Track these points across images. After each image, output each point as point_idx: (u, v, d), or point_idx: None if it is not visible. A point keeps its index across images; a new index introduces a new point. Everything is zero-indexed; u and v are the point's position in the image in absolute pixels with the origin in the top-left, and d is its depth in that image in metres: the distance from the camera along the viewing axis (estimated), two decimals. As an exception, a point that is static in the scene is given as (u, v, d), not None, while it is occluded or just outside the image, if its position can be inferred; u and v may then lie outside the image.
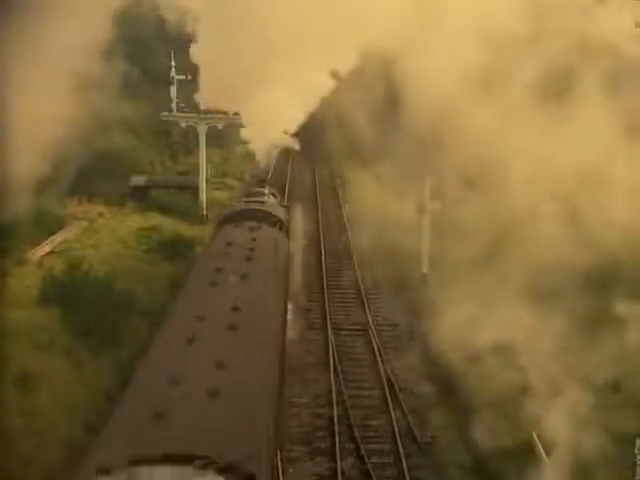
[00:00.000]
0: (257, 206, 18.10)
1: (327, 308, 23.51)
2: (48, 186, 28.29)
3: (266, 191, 20.84)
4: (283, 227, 17.45)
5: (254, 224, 15.77)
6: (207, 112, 32.40)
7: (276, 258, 14.54)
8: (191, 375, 8.52)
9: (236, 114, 27.14)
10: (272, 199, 20.42)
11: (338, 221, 34.09)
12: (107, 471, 6.68)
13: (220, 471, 6.72)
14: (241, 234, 15.09)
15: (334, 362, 19.73)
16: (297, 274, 20.75)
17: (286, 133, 22.60)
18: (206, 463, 6.73)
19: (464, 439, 16.19)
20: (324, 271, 26.69)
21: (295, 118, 22.06)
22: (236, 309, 10.51)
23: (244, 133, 24.08)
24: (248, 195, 20.88)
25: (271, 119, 21.13)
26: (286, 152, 33.76)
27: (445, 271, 24.66)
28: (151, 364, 9.36)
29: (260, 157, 23.92)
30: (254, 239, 14.59)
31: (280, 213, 18.56)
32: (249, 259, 13.23)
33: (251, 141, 23.36)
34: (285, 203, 23.52)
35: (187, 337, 9.48)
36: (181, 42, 29.65)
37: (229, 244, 14.18)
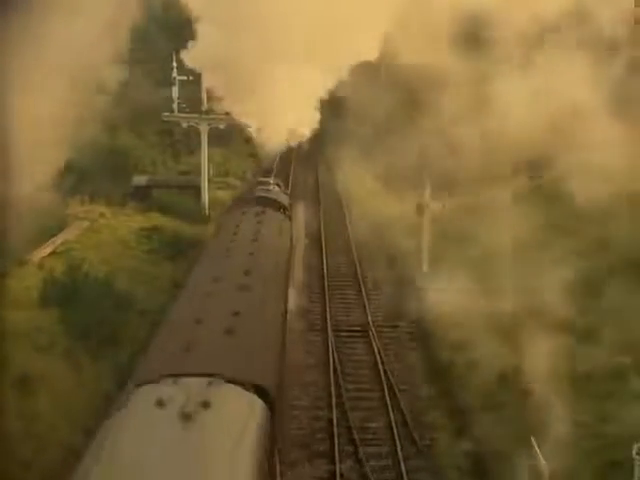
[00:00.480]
0: (263, 193, 21.23)
1: (328, 307, 23.55)
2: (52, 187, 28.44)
3: (271, 181, 23.37)
4: (286, 211, 20.69)
5: (260, 208, 18.99)
6: (208, 112, 32.48)
7: (280, 232, 18.00)
8: (211, 318, 10.94)
9: (227, 114, 27.71)
10: (276, 188, 22.70)
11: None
12: (142, 384, 8.98)
13: (231, 382, 8.82)
14: (253, 212, 18.61)
15: (334, 363, 19.75)
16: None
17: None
18: (220, 377, 8.78)
19: (463, 441, 16.18)
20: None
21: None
22: (247, 272, 13.05)
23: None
24: (257, 183, 23.59)
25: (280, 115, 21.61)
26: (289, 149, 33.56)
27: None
28: (179, 309, 12.12)
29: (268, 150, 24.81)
30: (262, 215, 18.16)
31: (284, 199, 21.81)
32: (259, 222, 17.35)
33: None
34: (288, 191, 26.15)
35: (207, 291, 12.19)
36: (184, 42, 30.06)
37: (235, 231, 16.86)
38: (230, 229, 16.92)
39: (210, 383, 8.61)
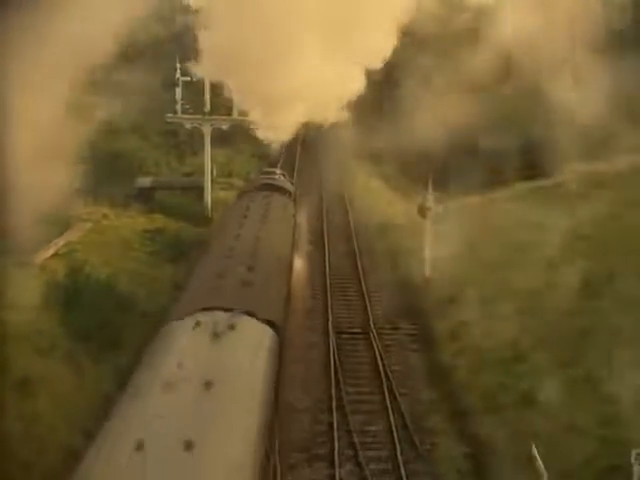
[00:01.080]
0: (271, 181, 23.86)
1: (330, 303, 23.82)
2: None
3: (277, 171, 26.25)
4: (290, 195, 23.39)
5: (268, 192, 21.87)
6: (211, 113, 32.53)
7: (285, 209, 21.36)
8: (231, 273, 13.67)
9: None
10: (282, 177, 25.60)
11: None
12: (180, 318, 11.40)
13: (249, 315, 11.47)
14: (262, 195, 21.49)
15: (335, 364, 19.73)
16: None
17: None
18: (239, 311, 11.38)
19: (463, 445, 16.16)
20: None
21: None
22: (253, 255, 15.17)
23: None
24: (264, 173, 26.16)
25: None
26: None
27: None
28: (206, 264, 15.31)
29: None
30: (270, 198, 21.07)
31: (289, 186, 24.73)
32: (267, 203, 20.42)
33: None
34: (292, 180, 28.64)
35: (228, 249, 15.36)
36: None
37: (248, 208, 19.78)
38: (243, 207, 19.98)
39: (233, 315, 11.17)
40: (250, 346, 10.84)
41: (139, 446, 7.69)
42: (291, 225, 20.41)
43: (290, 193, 23.29)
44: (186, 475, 7.42)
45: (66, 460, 13.49)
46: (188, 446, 7.71)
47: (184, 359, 9.76)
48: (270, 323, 11.83)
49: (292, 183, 26.44)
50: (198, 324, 10.87)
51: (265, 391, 9.90)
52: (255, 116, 25.47)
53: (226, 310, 11.39)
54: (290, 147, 39.08)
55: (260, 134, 26.28)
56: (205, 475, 7.51)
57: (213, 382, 9.08)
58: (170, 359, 9.95)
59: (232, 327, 10.78)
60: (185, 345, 10.57)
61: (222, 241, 16.77)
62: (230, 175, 41.82)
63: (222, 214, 24.25)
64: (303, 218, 27.24)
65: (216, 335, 10.50)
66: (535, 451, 13.52)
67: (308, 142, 40.44)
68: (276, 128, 24.70)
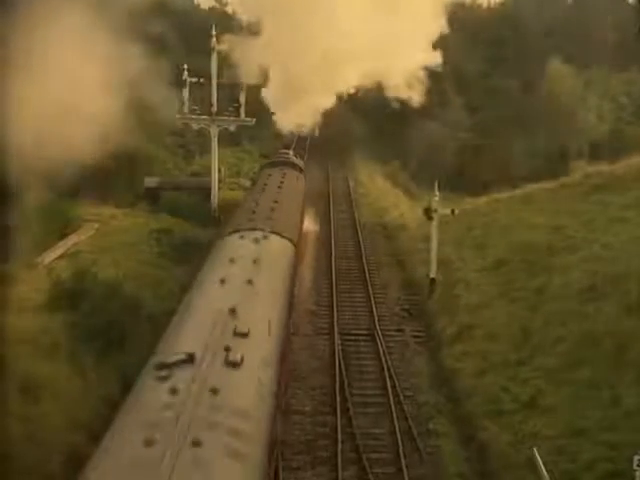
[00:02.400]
0: (286, 159, 29.02)
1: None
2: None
3: (290, 152, 31.16)
4: (301, 171, 28.63)
5: (284, 167, 27.13)
6: (218, 114, 32.57)
7: (297, 179, 26.61)
8: (262, 209, 19.13)
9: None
10: (294, 157, 30.47)
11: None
12: (229, 234, 16.64)
13: (275, 234, 16.65)
14: (279, 169, 26.74)
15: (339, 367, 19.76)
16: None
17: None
18: (269, 230, 16.57)
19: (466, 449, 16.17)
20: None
21: None
22: (276, 201, 20.24)
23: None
24: (280, 154, 30.51)
25: None
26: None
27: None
28: (244, 204, 21.35)
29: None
30: (284, 173, 26.04)
31: (300, 163, 29.91)
32: (283, 174, 25.59)
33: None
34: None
35: (258, 196, 21.24)
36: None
37: (269, 178, 25.00)
38: (265, 178, 25.30)
39: (265, 233, 16.36)
40: (278, 248, 16.31)
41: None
42: (302, 186, 26.68)
43: (301, 168, 29.07)
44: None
45: (69, 462, 13.63)
46: (250, 282, 12.98)
47: (238, 250, 15.00)
48: (289, 239, 17.39)
49: (302, 161, 32.20)
50: (242, 237, 16.19)
51: (287, 270, 15.74)
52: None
53: (260, 230, 16.67)
54: (302, 138, 43.63)
55: (278, 119, 31.96)
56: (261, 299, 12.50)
57: (259, 259, 14.40)
58: (229, 251, 15.08)
59: (265, 238, 16.13)
60: (237, 245, 15.66)
61: (253, 193, 23.21)
62: (238, 175, 41.98)
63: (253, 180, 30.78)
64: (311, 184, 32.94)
65: (256, 241, 15.78)
66: (537, 453, 13.54)
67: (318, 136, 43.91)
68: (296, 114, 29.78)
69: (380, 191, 40.59)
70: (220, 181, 34.21)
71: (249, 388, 9.40)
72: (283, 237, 16.96)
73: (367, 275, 26.93)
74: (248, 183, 40.87)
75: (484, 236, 27.32)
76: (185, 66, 32.57)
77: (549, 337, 18.29)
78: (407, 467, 15.44)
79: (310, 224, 28.71)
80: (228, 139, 39.42)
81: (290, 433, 16.10)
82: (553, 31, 57.90)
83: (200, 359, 9.23)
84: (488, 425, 16.17)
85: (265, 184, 23.48)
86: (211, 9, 79.94)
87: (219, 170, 34.27)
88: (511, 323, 20.02)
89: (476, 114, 53.07)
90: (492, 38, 56.90)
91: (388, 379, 19.15)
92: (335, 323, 22.52)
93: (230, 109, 33.39)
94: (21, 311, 18.04)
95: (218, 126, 32.74)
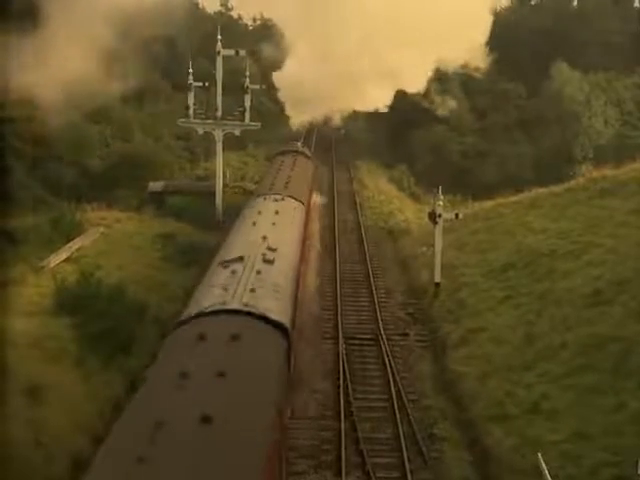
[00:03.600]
0: (295, 148, 33.01)
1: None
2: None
3: (299, 143, 35.18)
4: (309, 158, 33.15)
5: (294, 155, 31.22)
6: (223, 118, 32.66)
7: (306, 165, 30.75)
8: (278, 183, 23.69)
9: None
10: (302, 147, 34.63)
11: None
12: (256, 197, 22.13)
13: (290, 197, 22.01)
14: (290, 156, 30.71)
15: (344, 372, 19.73)
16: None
17: None
18: (285, 195, 21.88)
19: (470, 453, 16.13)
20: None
21: None
22: (289, 176, 24.93)
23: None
24: (290, 145, 34.34)
25: None
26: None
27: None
28: (263, 181, 26.51)
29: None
30: (295, 158, 30.31)
31: (308, 152, 34.51)
32: (294, 160, 29.72)
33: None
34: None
35: (274, 175, 25.34)
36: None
37: (283, 162, 29.25)
38: (279, 160, 29.60)
39: (282, 196, 21.54)
40: (292, 205, 21.26)
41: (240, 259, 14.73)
42: (311, 168, 31.35)
43: (309, 157, 33.51)
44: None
45: (74, 466, 13.67)
46: (273, 224, 17.94)
47: (263, 206, 20.03)
48: (301, 201, 22.36)
49: (310, 151, 36.77)
50: (265, 198, 21.17)
51: (299, 219, 20.73)
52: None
53: (279, 194, 21.63)
54: (309, 132, 48.34)
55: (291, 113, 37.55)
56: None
57: (278, 211, 19.34)
58: (257, 207, 20.06)
59: (283, 199, 21.18)
60: (262, 203, 20.60)
61: (271, 172, 27.56)
62: (243, 179, 42.03)
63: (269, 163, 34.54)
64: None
65: (276, 200, 20.87)
66: (541, 459, 13.51)
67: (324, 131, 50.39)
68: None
69: (385, 195, 40.60)
70: (225, 185, 34.28)
71: (279, 275, 14.40)
72: (296, 199, 22.10)
73: (371, 279, 26.93)
74: (253, 187, 41.10)
75: (489, 240, 27.31)
76: (190, 70, 32.69)
77: (554, 342, 18.26)
78: (411, 472, 15.42)
79: (317, 198, 33.62)
80: (234, 143, 39.55)
81: (294, 437, 16.10)
82: (558, 35, 57.84)
83: (247, 259, 14.50)
84: (492, 429, 16.14)
85: (280, 166, 28.05)
86: (217, 13, 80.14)
87: (224, 174, 34.35)
88: (516, 327, 20.00)
89: (483, 118, 53.11)
90: (498, 42, 56.90)
91: (392, 383, 19.13)
92: (340, 327, 22.51)
93: (235, 113, 33.54)
94: (27, 315, 18.13)
95: (223, 130, 32.81)
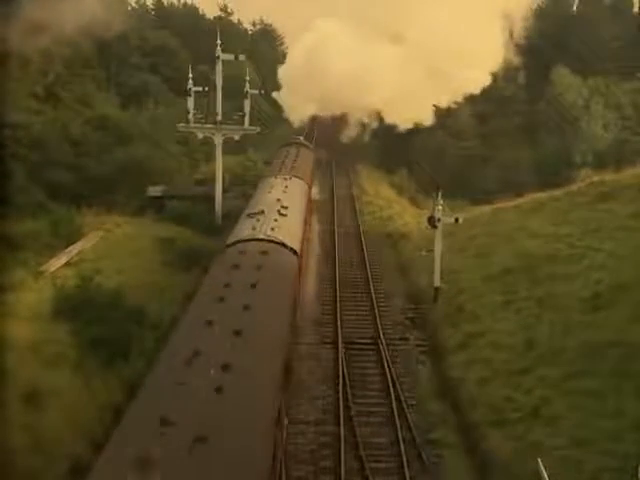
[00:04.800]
0: (298, 141, 37.83)
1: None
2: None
3: (302, 138, 40.15)
4: (310, 148, 38.31)
5: (297, 147, 35.58)
6: (223, 123, 32.69)
7: (308, 154, 35.32)
8: (285, 168, 28.46)
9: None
10: (304, 140, 39.89)
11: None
12: (267, 177, 27.13)
13: (297, 177, 26.89)
14: (294, 147, 35.10)
15: (343, 376, 19.70)
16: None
17: None
18: (292, 175, 26.94)
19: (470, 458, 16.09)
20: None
21: None
22: (295, 162, 29.75)
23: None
24: (293, 138, 39.09)
25: None
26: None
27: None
28: (272, 165, 31.65)
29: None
30: (298, 149, 34.72)
31: (309, 145, 39.54)
32: (298, 150, 34.19)
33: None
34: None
35: (281, 163, 29.87)
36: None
37: (288, 151, 33.79)
38: (284, 152, 33.71)
39: (290, 176, 26.23)
40: (298, 183, 25.71)
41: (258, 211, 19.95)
42: (312, 156, 36.50)
43: (309, 147, 38.34)
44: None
45: (73, 471, 13.63)
46: (284, 191, 23.07)
47: (274, 184, 24.42)
48: (304, 181, 26.96)
49: (311, 144, 42.26)
50: (276, 178, 25.74)
51: (303, 192, 25.44)
52: None
53: (287, 175, 26.07)
54: (311, 128, 53.19)
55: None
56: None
57: (286, 188, 23.63)
58: (269, 185, 24.55)
59: (290, 179, 25.46)
60: (272, 182, 24.97)
61: (278, 160, 31.51)
62: (244, 183, 41.97)
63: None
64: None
65: (284, 179, 25.26)
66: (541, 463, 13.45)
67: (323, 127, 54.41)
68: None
69: (385, 200, 40.62)
70: (225, 190, 34.27)
71: (290, 222, 19.64)
72: (300, 179, 26.50)
73: (371, 284, 26.93)
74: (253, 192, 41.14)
75: (488, 245, 27.30)
76: (190, 75, 32.74)
77: (553, 346, 18.24)
78: (410, 477, 15.39)
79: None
80: (233, 147, 39.55)
81: (293, 442, 16.08)
82: (558, 40, 57.94)
83: (267, 211, 19.69)
84: (492, 434, 16.10)
85: (286, 155, 32.57)
86: (216, 18, 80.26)
87: (223, 178, 34.34)
88: (515, 332, 19.98)
89: (483, 123, 53.13)
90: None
91: (392, 388, 19.11)
92: (339, 332, 22.49)
93: (234, 117, 33.59)
94: (26, 320, 18.09)
95: (223, 135, 32.83)
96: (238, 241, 17.16)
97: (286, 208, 20.33)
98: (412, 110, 38.21)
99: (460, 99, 38.88)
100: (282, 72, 44.51)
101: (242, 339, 10.81)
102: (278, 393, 10.74)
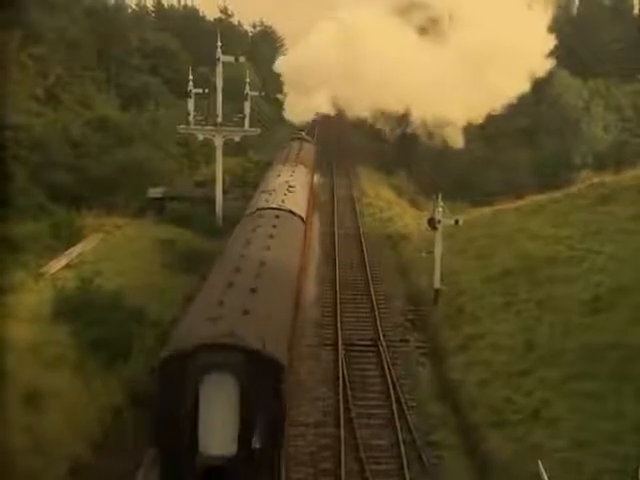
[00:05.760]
0: (300, 137, 39.79)
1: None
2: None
3: (303, 133, 42.01)
4: (311, 143, 41.75)
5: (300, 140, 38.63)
6: (223, 125, 32.71)
7: (310, 147, 38.13)
8: (291, 157, 32.24)
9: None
10: (306, 136, 42.62)
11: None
12: (276, 165, 30.67)
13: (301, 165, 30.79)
14: (297, 141, 37.85)
15: (343, 379, 19.70)
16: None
17: None
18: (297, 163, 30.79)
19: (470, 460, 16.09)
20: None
21: None
22: (299, 153, 33.15)
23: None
24: (295, 134, 41.02)
25: None
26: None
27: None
28: (279, 155, 34.60)
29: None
30: (301, 143, 37.61)
31: (310, 140, 42.66)
32: (300, 144, 36.90)
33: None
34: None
35: (287, 154, 33.08)
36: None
37: (292, 145, 36.76)
38: (288, 147, 36.35)
39: (295, 165, 29.92)
40: (303, 170, 29.12)
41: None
42: (313, 149, 39.41)
43: (311, 142, 41.99)
44: None
45: (73, 473, 13.64)
46: (290, 188, 24.18)
47: (282, 170, 27.92)
48: (308, 168, 30.51)
49: (312, 139, 45.53)
50: (284, 165, 29.34)
51: (307, 177, 29.16)
52: None
53: (293, 163, 29.75)
54: (312, 126, 53.92)
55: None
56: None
57: (293, 172, 27.67)
58: (277, 170, 28.20)
59: (296, 166, 29.13)
60: (281, 168, 28.55)
61: (284, 151, 34.76)
62: (244, 185, 41.98)
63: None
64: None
65: (291, 167, 28.75)
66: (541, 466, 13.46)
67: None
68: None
69: (385, 201, 40.64)
70: (225, 192, 34.29)
71: (297, 196, 23.49)
72: (305, 166, 30.41)
73: (371, 285, 26.94)
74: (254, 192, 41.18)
75: (488, 246, 27.31)
76: (190, 77, 32.76)
77: (553, 348, 18.25)
78: (411, 479, 15.39)
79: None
80: (234, 149, 39.59)
81: (293, 445, 16.08)
82: (558, 42, 57.93)
83: (277, 188, 23.54)
84: (492, 436, 16.11)
85: (290, 148, 35.85)
86: (216, 19, 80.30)
87: (223, 180, 34.36)
88: (515, 334, 19.99)
89: (484, 125, 53.06)
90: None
91: (392, 390, 19.11)
92: (339, 334, 22.50)
93: (235, 119, 33.62)
94: (26, 321, 18.09)
95: (223, 136, 32.86)
96: (256, 210, 21.20)
97: (293, 187, 24.53)
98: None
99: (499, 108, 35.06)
100: (287, 64, 38.80)
101: (265, 267, 15.18)
102: (294, 285, 16.13)
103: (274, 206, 21.11)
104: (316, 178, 37.69)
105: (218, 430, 11.69)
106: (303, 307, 19.04)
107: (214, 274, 15.48)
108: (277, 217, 19.88)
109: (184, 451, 11.58)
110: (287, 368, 12.26)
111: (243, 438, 11.54)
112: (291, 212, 21.09)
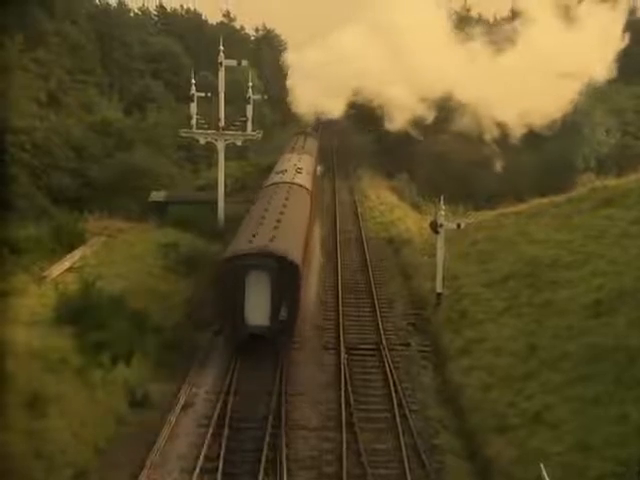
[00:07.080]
0: (305, 131, 46.59)
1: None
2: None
3: (308, 129, 48.45)
4: (315, 136, 48.42)
5: (305, 135, 45.51)
6: (225, 128, 32.76)
7: (314, 141, 45.79)
8: (296, 147, 40.60)
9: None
10: (311, 131, 49.46)
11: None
12: (285, 153, 38.12)
13: (308, 154, 38.64)
14: (303, 135, 45.15)
15: (345, 382, 19.66)
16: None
17: None
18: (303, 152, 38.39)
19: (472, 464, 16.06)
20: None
21: None
22: (303, 146, 40.99)
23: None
24: (301, 129, 47.96)
25: None
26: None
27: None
28: (286, 145, 42.21)
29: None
30: (306, 137, 44.88)
31: (315, 135, 49.11)
32: (305, 138, 44.85)
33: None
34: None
35: (292, 147, 40.35)
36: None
37: (298, 138, 44.33)
38: (294, 139, 42.78)
39: (301, 154, 37.00)
40: (308, 158, 36.03)
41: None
42: (316, 145, 44.64)
43: (315, 136, 47.89)
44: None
45: (75, 478, 13.63)
46: (299, 169, 32.08)
47: (290, 158, 34.99)
48: (313, 157, 38.12)
49: (317, 134, 51.30)
50: (292, 153, 36.79)
51: (312, 164, 36.12)
52: None
53: (299, 152, 36.67)
54: (316, 128, 55.91)
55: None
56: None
57: (299, 160, 34.63)
58: (286, 159, 34.83)
59: (302, 155, 36.03)
60: (289, 157, 35.47)
61: (290, 144, 40.62)
62: (245, 188, 42.06)
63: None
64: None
65: (298, 155, 36.07)
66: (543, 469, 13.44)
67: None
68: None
69: (387, 205, 40.64)
70: (227, 195, 34.34)
71: (305, 175, 30.81)
72: (310, 155, 35.89)
73: (373, 289, 26.92)
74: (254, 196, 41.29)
75: (490, 250, 27.30)
76: (193, 81, 32.83)
77: (555, 352, 18.21)
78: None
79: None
80: (236, 152, 39.64)
81: (295, 448, 16.06)
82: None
83: (288, 170, 30.84)
84: (494, 440, 16.07)
85: (296, 141, 41.77)
86: (219, 24, 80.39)
87: (225, 184, 34.41)
88: (517, 337, 19.96)
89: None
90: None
91: (394, 393, 19.08)
92: (341, 337, 22.48)
93: (237, 123, 33.67)
94: (28, 325, 18.11)
95: (225, 140, 32.90)
96: (272, 184, 28.50)
97: (301, 169, 31.05)
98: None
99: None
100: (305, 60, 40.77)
101: (284, 215, 22.68)
102: (304, 225, 23.99)
103: (287, 181, 28.50)
104: (318, 167, 43.78)
105: (258, 308, 18.99)
106: (312, 236, 27.11)
107: (246, 220, 23.50)
108: (290, 188, 27.26)
109: (237, 321, 19.19)
110: (302, 268, 20.00)
111: (274, 314, 19.30)
112: (300, 185, 28.28)
